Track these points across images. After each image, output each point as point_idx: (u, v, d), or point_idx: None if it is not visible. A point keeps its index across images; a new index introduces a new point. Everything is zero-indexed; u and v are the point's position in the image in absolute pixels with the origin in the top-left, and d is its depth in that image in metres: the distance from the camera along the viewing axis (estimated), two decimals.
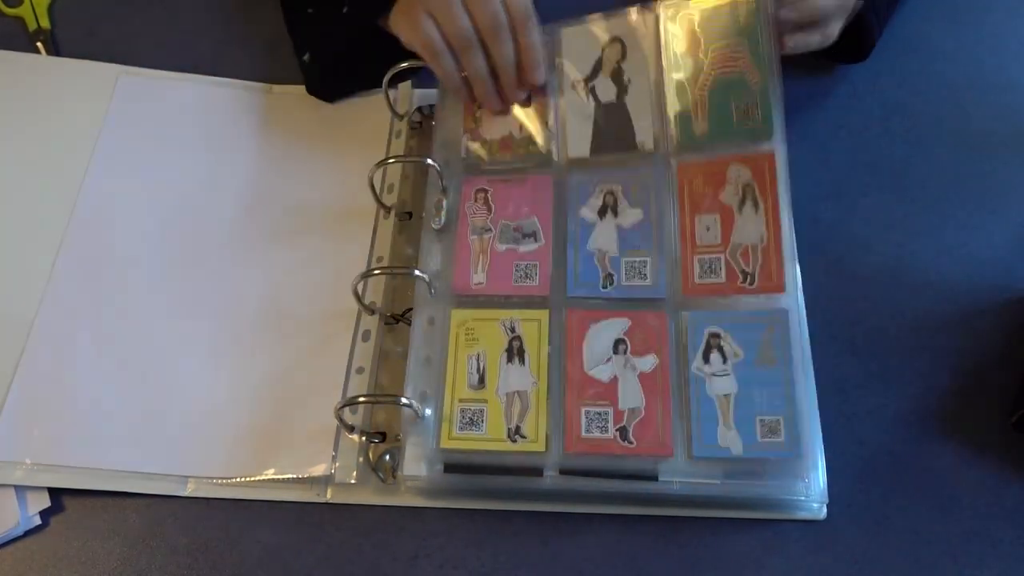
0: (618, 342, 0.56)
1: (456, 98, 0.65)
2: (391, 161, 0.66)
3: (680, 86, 0.62)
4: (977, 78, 0.72)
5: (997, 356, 0.60)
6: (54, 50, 0.75)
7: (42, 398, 0.59)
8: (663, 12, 0.64)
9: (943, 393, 0.59)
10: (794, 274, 0.57)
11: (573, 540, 0.54)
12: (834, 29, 0.63)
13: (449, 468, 0.54)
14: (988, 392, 0.59)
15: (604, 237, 0.60)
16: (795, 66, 0.65)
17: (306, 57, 0.70)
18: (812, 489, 0.53)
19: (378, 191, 0.65)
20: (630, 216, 0.60)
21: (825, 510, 0.54)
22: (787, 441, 0.52)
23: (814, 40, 0.62)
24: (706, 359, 0.55)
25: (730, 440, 0.52)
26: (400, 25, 0.63)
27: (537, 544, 0.54)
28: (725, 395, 0.54)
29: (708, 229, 0.58)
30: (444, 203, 0.62)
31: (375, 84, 0.67)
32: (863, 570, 0.53)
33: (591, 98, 0.64)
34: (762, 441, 0.52)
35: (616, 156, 0.62)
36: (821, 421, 0.56)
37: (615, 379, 0.55)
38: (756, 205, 0.58)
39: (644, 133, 0.62)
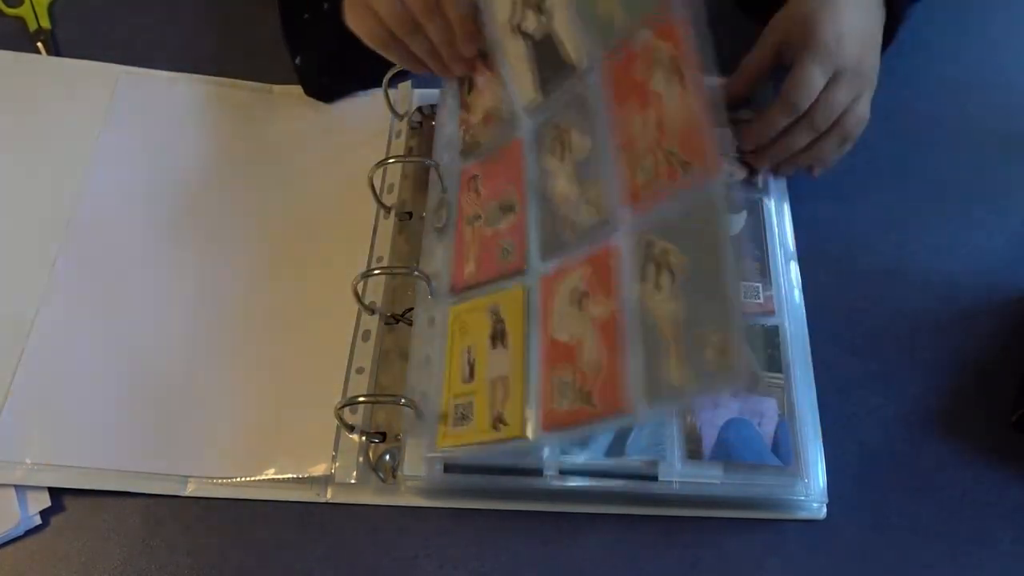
0: (581, 296, 0.50)
1: (420, 75, 0.63)
2: (391, 161, 0.66)
3: None
4: (977, 78, 0.72)
5: (997, 356, 0.60)
6: (54, 50, 0.74)
7: (42, 398, 0.59)
8: None
9: (943, 393, 0.59)
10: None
11: (573, 540, 0.54)
12: (864, 108, 0.60)
13: (449, 468, 0.54)
14: (988, 392, 0.59)
15: (564, 181, 0.54)
16: None
17: (297, 60, 0.70)
18: (812, 489, 0.53)
19: (378, 191, 0.65)
20: (582, 147, 0.53)
21: (825, 510, 0.55)
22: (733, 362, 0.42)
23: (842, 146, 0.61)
24: (657, 284, 0.46)
25: (683, 378, 0.43)
26: (348, 20, 0.62)
27: (537, 544, 0.54)
28: (674, 321, 0.44)
29: (645, 125, 0.49)
30: (445, 202, 0.62)
31: (373, 84, 0.68)
32: (863, 570, 0.53)
33: (523, 39, 0.58)
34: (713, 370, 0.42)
35: (562, 87, 0.56)
36: (821, 421, 0.56)
37: (579, 339, 0.49)
38: (682, 82, 0.47)
39: (574, 50, 0.55)
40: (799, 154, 0.61)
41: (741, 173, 0.62)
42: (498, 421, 0.51)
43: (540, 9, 0.56)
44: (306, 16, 0.70)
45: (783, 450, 0.53)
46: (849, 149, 0.62)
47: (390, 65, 0.64)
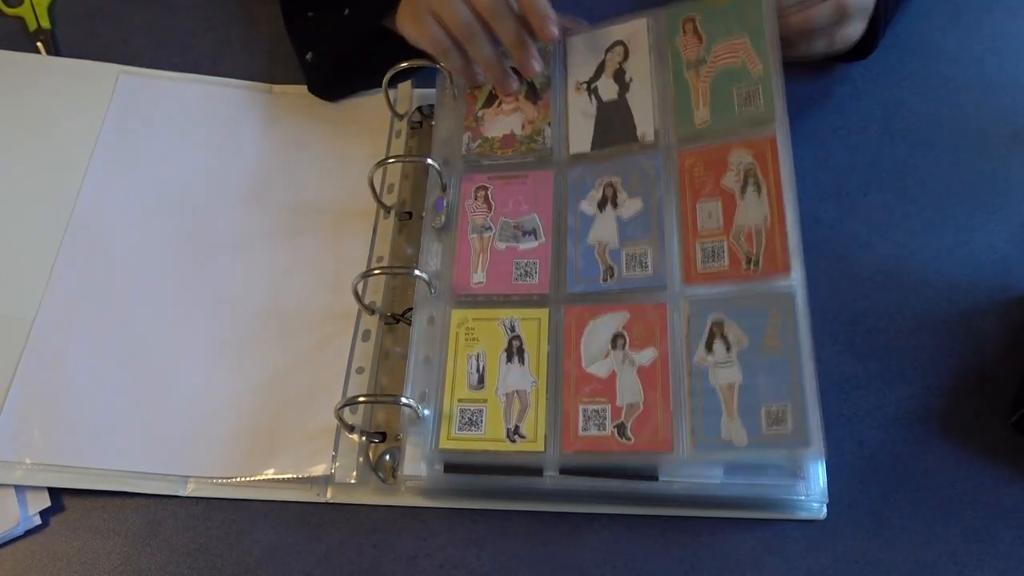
0: (616, 336, 0.55)
1: (469, 89, 0.66)
2: (391, 161, 0.66)
3: (681, 79, 0.62)
4: (977, 78, 0.71)
5: (997, 356, 0.60)
6: (54, 50, 0.75)
7: (42, 398, 0.59)
8: (666, 14, 0.64)
9: (943, 393, 0.59)
10: (800, 258, 0.55)
11: (573, 540, 0.54)
12: (856, 29, 0.63)
13: (449, 468, 0.54)
14: (988, 392, 0.59)
15: (604, 229, 0.59)
16: (795, 66, 0.65)
17: (308, 56, 0.70)
18: (812, 489, 0.53)
19: (378, 191, 0.65)
20: (630, 207, 0.59)
21: (825, 510, 0.54)
22: (794, 430, 0.49)
23: (826, 42, 0.63)
24: (709, 348, 0.53)
25: (734, 432, 0.51)
26: (406, 25, 0.63)
27: (537, 544, 0.54)
28: (729, 385, 0.52)
29: (710, 215, 0.57)
30: (444, 202, 0.62)
31: (378, 84, 0.67)
32: (863, 570, 0.53)
33: (593, 98, 0.64)
34: (767, 433, 0.50)
35: (617, 148, 0.62)
36: (821, 421, 0.56)
37: (613, 375, 0.54)
38: (759, 188, 0.56)
39: (645, 125, 0.62)
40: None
41: None
42: (514, 433, 0.54)
43: (621, 83, 0.64)
44: (311, 14, 0.70)
45: None
46: (824, 48, 0.63)
47: (393, 62, 0.64)
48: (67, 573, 0.54)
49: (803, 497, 0.53)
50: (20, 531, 0.55)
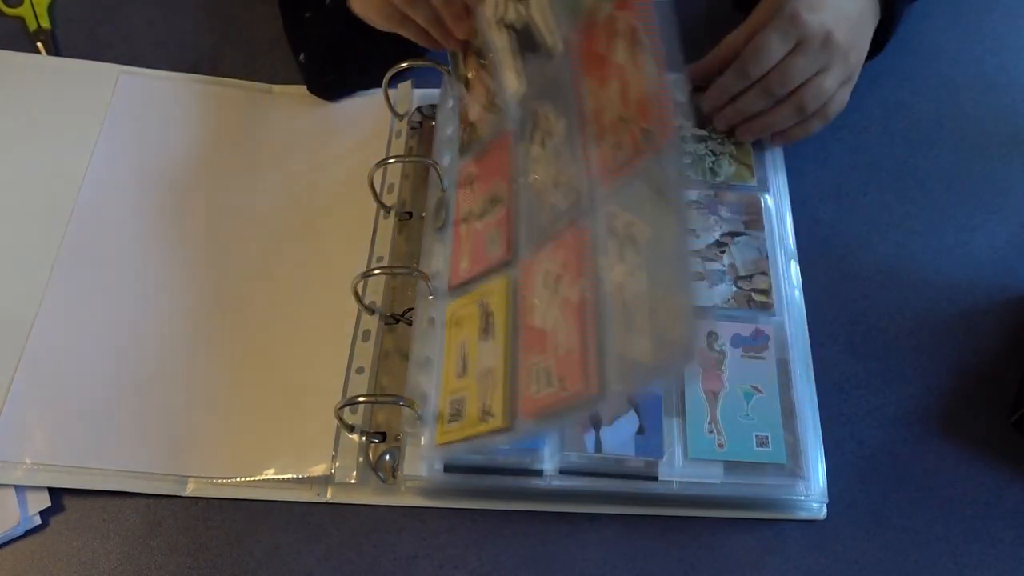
0: (556, 280, 0.49)
1: (432, 48, 0.63)
2: (391, 161, 0.66)
3: None
4: (977, 78, 0.72)
5: (997, 356, 0.60)
6: (54, 50, 0.75)
7: (42, 398, 0.59)
8: None
9: (943, 393, 0.59)
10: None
11: (573, 540, 0.54)
12: (842, 94, 0.62)
13: (449, 468, 0.54)
14: (988, 392, 0.59)
15: (544, 166, 0.54)
16: None
17: (301, 57, 0.70)
18: (812, 489, 0.53)
19: (378, 191, 0.65)
20: (559, 128, 0.53)
21: (825, 510, 0.55)
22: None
23: (820, 119, 0.63)
24: (607, 251, 0.46)
25: (652, 354, 0.43)
26: (358, 7, 0.62)
27: (537, 544, 0.54)
28: (640, 295, 0.43)
29: (609, 99, 0.49)
30: (445, 202, 0.62)
31: (376, 82, 0.67)
32: (863, 570, 0.53)
33: (511, 32, 0.58)
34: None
35: (540, 71, 0.56)
36: (821, 421, 0.56)
37: (553, 324, 0.48)
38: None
39: (549, 34, 0.54)
40: (754, 120, 0.62)
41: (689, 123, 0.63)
42: (486, 413, 0.50)
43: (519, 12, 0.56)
44: (308, 15, 0.70)
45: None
46: (819, 127, 0.63)
47: (393, 62, 0.64)
48: (67, 573, 0.54)
49: (803, 497, 0.53)
50: (20, 531, 0.55)
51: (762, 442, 0.53)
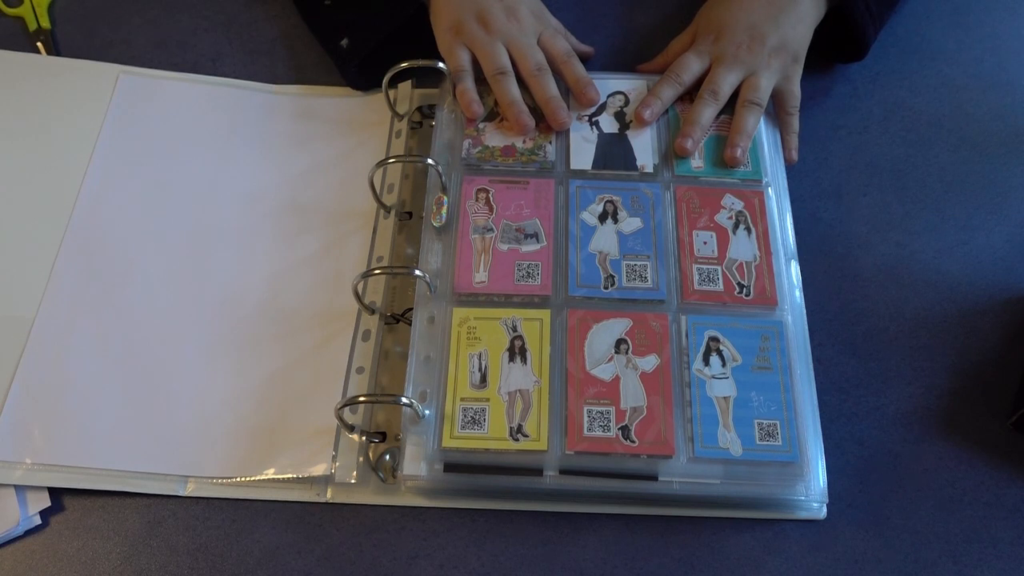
0: (620, 342, 0.57)
1: (463, 111, 0.66)
2: (391, 161, 0.66)
3: (678, 129, 0.66)
4: (977, 78, 0.72)
5: (997, 356, 0.60)
6: (54, 50, 0.75)
7: (42, 398, 0.59)
8: None
9: (943, 393, 0.59)
10: (790, 288, 0.59)
11: (573, 540, 0.54)
12: (791, 84, 0.67)
13: (449, 468, 0.54)
14: (988, 392, 0.59)
15: (605, 240, 0.61)
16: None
17: (344, 43, 0.70)
18: (812, 489, 0.53)
19: (378, 191, 0.65)
20: (630, 224, 0.62)
21: (825, 510, 0.55)
22: (784, 444, 0.53)
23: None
24: (706, 361, 0.56)
25: (730, 441, 0.53)
26: (441, 40, 0.67)
27: (537, 544, 0.54)
28: (724, 397, 0.55)
29: (705, 243, 0.61)
30: (445, 202, 0.62)
31: (406, 75, 0.68)
32: (863, 570, 0.53)
33: (594, 128, 0.67)
34: (760, 444, 0.53)
35: (616, 173, 0.65)
36: (821, 421, 0.56)
37: (617, 378, 0.55)
38: (749, 230, 0.61)
39: (644, 159, 0.65)
40: (735, 134, 0.65)
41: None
42: (518, 432, 0.54)
43: (621, 122, 0.67)
44: (327, 2, 0.71)
45: None
46: (792, 123, 0.67)
47: (425, 57, 0.66)
48: (67, 573, 0.54)
49: (803, 497, 0.53)
50: (20, 531, 0.55)
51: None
